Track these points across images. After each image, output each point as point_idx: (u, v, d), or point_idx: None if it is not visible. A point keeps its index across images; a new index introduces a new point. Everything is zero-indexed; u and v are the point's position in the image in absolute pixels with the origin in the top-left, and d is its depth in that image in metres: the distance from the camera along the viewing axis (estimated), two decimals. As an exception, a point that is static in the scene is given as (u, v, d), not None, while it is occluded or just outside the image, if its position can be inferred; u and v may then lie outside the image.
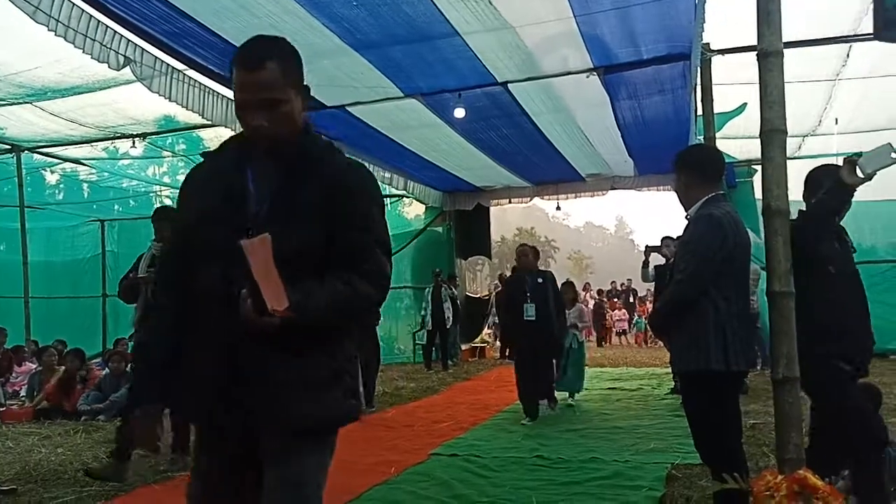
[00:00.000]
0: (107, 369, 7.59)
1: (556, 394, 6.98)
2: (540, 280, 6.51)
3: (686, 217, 3.05)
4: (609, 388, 8.44)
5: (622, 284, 20.27)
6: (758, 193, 5.40)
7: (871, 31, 5.63)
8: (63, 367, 7.72)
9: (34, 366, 8.48)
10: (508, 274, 14.86)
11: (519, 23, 5.12)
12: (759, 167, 3.98)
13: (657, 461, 4.60)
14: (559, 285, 7.24)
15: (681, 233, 3.12)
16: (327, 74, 6.04)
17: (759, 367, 6.86)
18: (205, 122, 6.67)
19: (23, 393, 8.16)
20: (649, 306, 15.63)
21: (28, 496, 4.19)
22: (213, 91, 5.90)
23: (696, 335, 2.83)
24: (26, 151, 8.58)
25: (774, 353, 2.72)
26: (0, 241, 11.76)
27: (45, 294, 11.81)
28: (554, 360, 6.90)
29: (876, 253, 10.24)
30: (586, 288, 20.99)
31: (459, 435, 5.78)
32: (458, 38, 5.32)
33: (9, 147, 8.43)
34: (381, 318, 7.86)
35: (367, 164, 7.55)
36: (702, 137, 6.15)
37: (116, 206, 12.65)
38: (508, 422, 6.31)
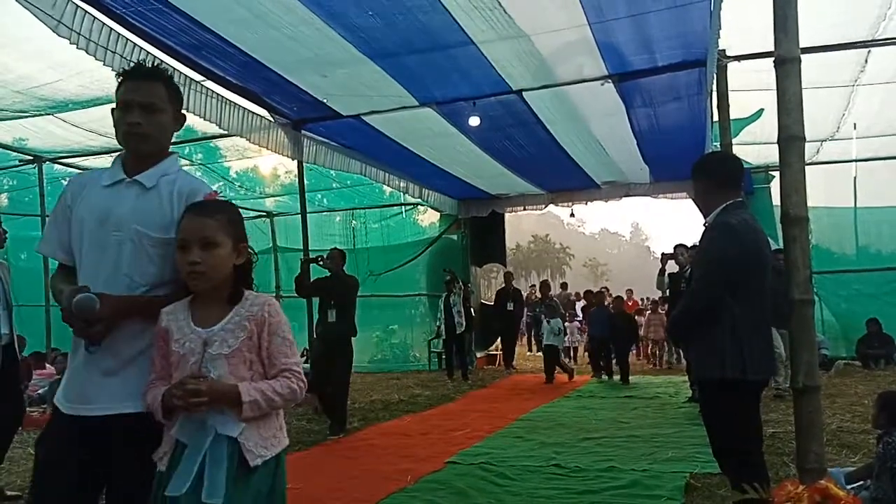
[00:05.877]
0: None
1: None
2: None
3: (704, 224, 3.04)
4: (626, 396, 8.37)
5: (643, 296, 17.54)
6: (775, 200, 5.34)
7: (889, 35, 5.60)
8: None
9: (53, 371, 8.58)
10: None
11: (534, 31, 5.13)
12: (776, 173, 3.95)
13: (675, 470, 4.56)
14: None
15: (698, 240, 3.11)
16: (343, 84, 6.09)
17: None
18: (222, 132, 6.76)
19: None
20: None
21: None
22: (231, 102, 5.97)
23: (713, 343, 2.81)
24: (48, 162, 8.72)
25: (794, 362, 2.70)
26: (21, 250, 11.89)
27: (66, 302, 11.93)
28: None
29: (882, 260, 10.04)
30: (597, 292, 19.02)
31: (475, 443, 5.77)
32: (472, 47, 5.34)
33: (31, 158, 8.58)
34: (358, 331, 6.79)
35: (381, 173, 7.55)
36: (718, 144, 6.11)
37: (135, 215, 12.78)
38: (525, 430, 6.29)
